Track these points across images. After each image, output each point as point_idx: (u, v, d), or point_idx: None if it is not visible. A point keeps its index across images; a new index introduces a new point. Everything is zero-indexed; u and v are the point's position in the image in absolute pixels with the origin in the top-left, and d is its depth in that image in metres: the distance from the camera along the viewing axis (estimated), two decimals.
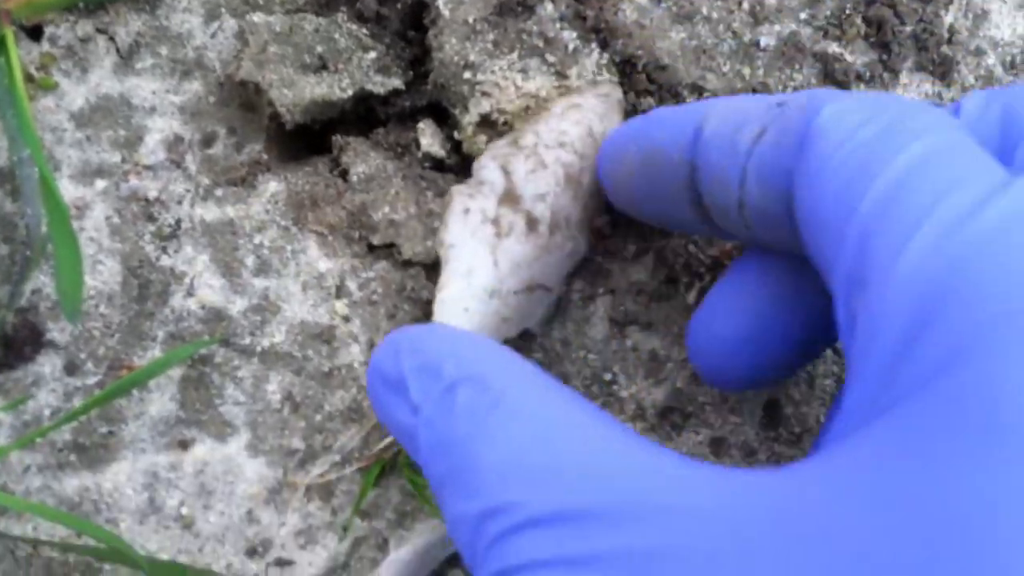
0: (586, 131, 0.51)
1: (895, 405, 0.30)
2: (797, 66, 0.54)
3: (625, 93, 0.53)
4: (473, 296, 0.49)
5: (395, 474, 0.50)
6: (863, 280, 0.32)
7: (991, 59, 0.55)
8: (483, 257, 0.49)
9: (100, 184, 0.51)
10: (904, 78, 0.54)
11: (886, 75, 0.54)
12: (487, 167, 0.50)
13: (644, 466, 0.33)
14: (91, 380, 0.50)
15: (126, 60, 0.52)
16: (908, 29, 0.54)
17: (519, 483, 0.32)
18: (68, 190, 0.50)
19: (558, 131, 0.50)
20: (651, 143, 0.44)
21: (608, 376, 0.52)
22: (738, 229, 0.42)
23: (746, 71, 0.53)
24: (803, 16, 0.54)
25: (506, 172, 0.50)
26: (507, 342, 0.51)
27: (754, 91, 0.53)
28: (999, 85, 0.55)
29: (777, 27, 0.54)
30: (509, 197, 0.49)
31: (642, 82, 0.54)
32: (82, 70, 0.51)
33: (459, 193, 0.50)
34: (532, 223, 0.49)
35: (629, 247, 0.52)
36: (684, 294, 0.52)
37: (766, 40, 0.54)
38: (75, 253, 0.46)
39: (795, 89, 0.54)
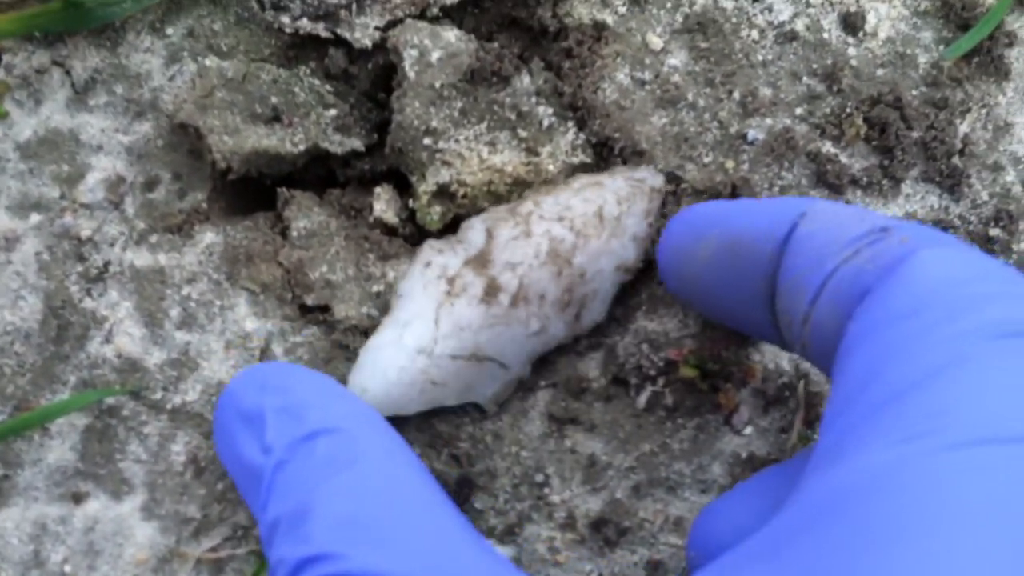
0: (595, 211, 0.47)
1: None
2: (787, 164, 0.49)
3: None
4: (399, 347, 0.45)
5: None
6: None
7: (1010, 176, 0.50)
8: (426, 312, 0.46)
9: (35, 218, 0.49)
10: (907, 188, 0.49)
11: (886, 182, 0.49)
12: (473, 227, 0.47)
13: (470, 562, 0.34)
14: None
15: (80, 95, 0.50)
16: (915, 135, 0.49)
17: (349, 537, 0.33)
18: (2, 221, 0.49)
19: (563, 205, 0.47)
20: (739, 230, 0.40)
21: (540, 477, 0.47)
22: (794, 345, 0.39)
23: (729, 164, 0.49)
24: (799, 111, 0.50)
25: (490, 235, 0.46)
26: (444, 410, 0.47)
27: (734, 187, 0.49)
28: (1015, 204, 0.49)
29: (769, 121, 0.50)
30: (480, 259, 0.46)
31: (617, 166, 0.50)
32: (36, 101, 0.50)
33: (429, 246, 0.47)
34: (492, 290, 0.45)
35: (580, 340, 0.48)
36: (633, 397, 0.47)
37: (755, 134, 0.49)
38: None
39: (782, 189, 0.49)
